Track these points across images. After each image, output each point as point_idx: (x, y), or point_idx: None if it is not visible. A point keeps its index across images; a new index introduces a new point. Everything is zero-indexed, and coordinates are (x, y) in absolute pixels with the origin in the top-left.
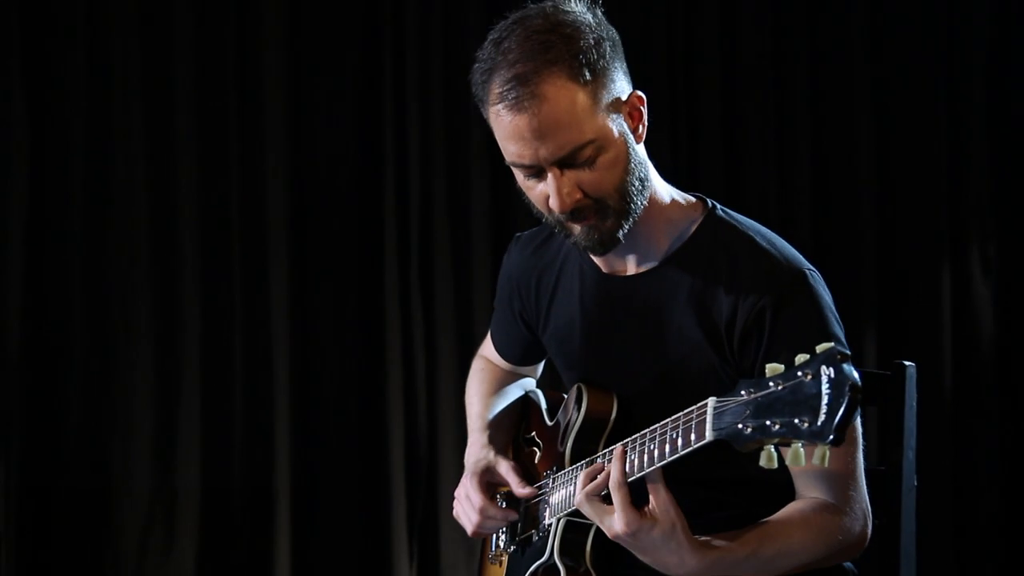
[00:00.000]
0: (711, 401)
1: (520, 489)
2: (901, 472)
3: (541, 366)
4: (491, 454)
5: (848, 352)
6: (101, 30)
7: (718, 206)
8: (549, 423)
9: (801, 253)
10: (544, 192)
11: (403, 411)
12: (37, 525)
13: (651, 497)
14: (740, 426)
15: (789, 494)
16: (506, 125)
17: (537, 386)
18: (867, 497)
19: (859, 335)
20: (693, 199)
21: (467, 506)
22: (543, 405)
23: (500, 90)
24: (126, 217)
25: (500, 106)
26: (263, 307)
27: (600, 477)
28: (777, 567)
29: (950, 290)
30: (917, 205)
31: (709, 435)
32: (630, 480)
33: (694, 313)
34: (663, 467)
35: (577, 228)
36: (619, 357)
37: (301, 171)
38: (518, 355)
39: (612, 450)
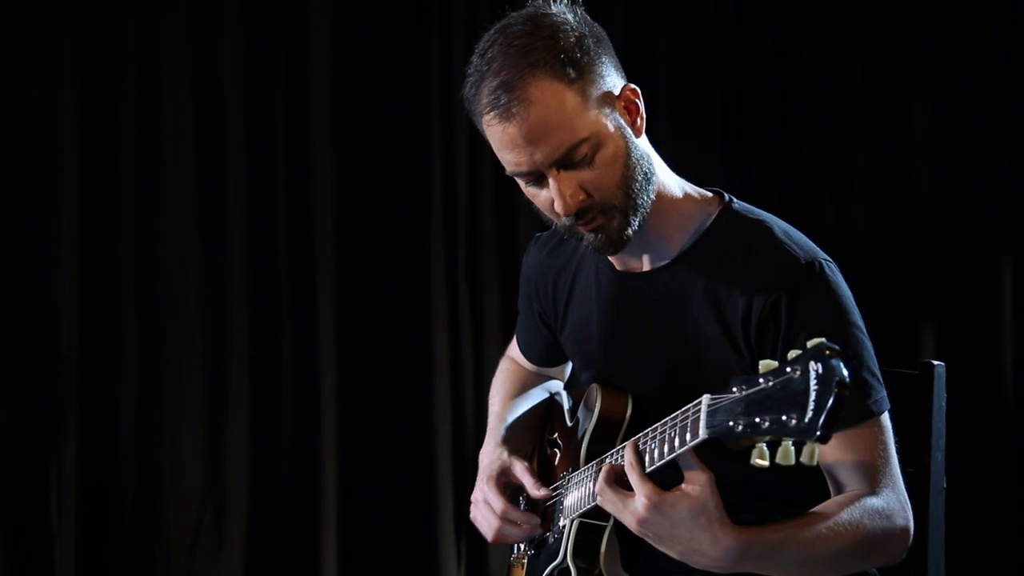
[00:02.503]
0: (705, 399)
1: (535, 491)
2: (929, 474)
3: (569, 367)
4: (504, 454)
5: (837, 347)
6: (151, 38)
7: (735, 200)
8: (569, 424)
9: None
10: (549, 198)
11: (450, 413)
12: (91, 524)
13: (684, 474)
14: (731, 423)
15: (821, 494)
16: (499, 134)
17: (565, 387)
18: (905, 491)
19: (917, 334)
20: (709, 193)
21: (486, 511)
22: (566, 406)
23: (488, 100)
24: (176, 221)
25: (490, 116)
26: (311, 308)
27: (610, 465)
28: (818, 554)
29: (1011, 288)
30: (977, 202)
31: (702, 433)
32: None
33: (710, 308)
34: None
35: (586, 231)
36: (636, 355)
37: (349, 174)
38: (541, 356)
39: (624, 447)
